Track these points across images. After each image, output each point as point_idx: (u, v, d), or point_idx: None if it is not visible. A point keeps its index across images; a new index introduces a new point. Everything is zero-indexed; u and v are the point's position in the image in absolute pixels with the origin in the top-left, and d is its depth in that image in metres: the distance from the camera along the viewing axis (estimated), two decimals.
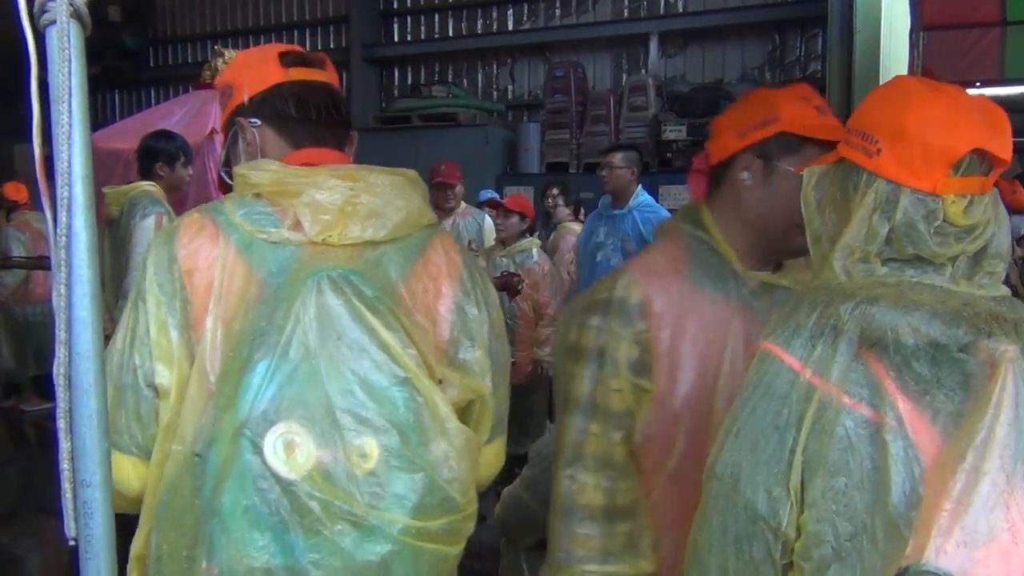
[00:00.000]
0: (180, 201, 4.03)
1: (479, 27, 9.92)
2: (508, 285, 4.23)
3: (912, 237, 1.12)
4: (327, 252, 1.33)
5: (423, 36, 10.30)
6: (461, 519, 1.40)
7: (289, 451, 1.26)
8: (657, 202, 6.14)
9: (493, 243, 4.98)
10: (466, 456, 1.40)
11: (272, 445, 1.25)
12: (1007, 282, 1.28)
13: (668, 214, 4.68)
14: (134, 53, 12.09)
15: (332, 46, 10.77)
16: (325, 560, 1.25)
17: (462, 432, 1.39)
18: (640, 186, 4.73)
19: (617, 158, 4.64)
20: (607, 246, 4.67)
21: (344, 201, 1.33)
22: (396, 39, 10.47)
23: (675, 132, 7.85)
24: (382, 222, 1.36)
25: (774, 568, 1.12)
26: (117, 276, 3.64)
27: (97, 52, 11.68)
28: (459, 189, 5.15)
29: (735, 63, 8.70)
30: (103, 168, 4.59)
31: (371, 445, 1.29)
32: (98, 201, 4.63)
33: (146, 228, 3.57)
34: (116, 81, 12.11)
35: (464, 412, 1.47)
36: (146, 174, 3.82)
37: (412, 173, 1.45)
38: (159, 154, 3.83)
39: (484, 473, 1.57)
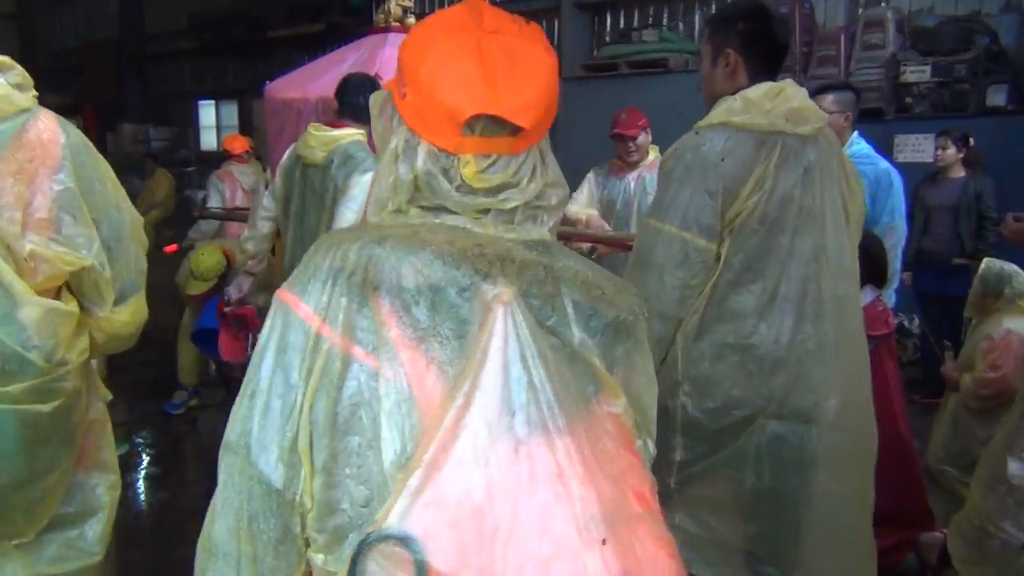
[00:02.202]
0: None
1: None
2: None
3: (434, 188, 1.07)
4: None
5: None
6: (50, 380, 1.69)
7: None
8: (889, 155, 5.33)
9: None
10: (49, 325, 1.68)
11: None
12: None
13: (888, 166, 3.93)
14: (357, 9, 12.34)
15: None
16: None
17: (40, 305, 1.67)
18: (857, 132, 4.00)
19: (827, 100, 3.92)
20: None
21: None
22: None
23: (917, 73, 6.81)
24: None
25: (296, 548, 1.04)
26: (308, 224, 3.45)
27: (322, 9, 12.05)
28: (642, 139, 4.63)
29: None
30: (276, 118, 4.51)
31: None
32: (273, 151, 4.56)
33: (364, 186, 3.24)
34: (341, 37, 12.42)
35: (78, 282, 1.77)
36: (357, 117, 3.45)
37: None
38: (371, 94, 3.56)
39: (122, 332, 1.89)
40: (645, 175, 4.66)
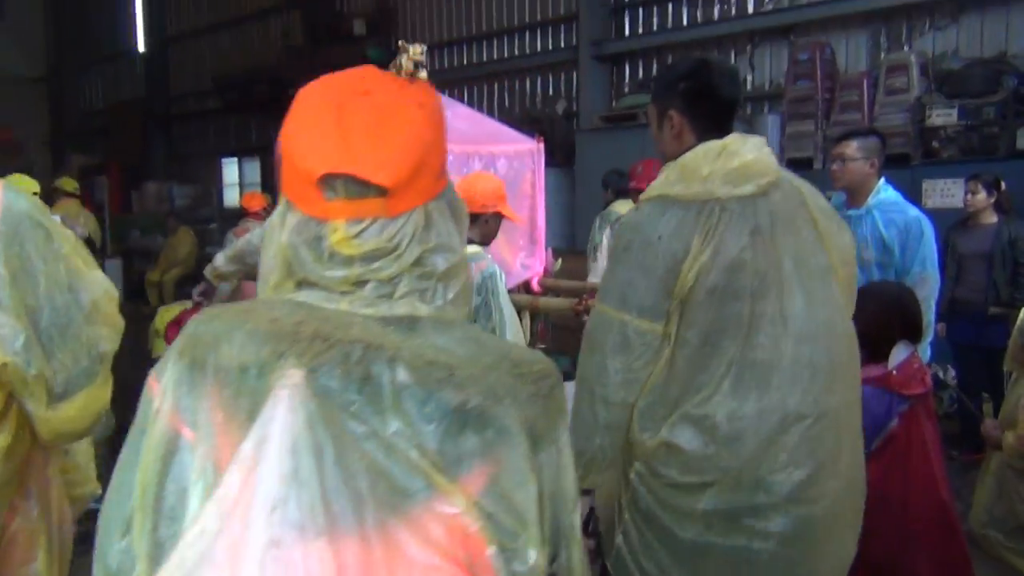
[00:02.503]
0: None
1: (715, 13, 9.11)
2: None
3: (299, 260, 1.01)
4: None
5: (655, 28, 9.66)
6: None
7: None
8: (917, 201, 5.16)
9: None
10: None
11: None
12: None
13: (918, 213, 3.75)
14: (378, 64, 12.37)
15: (562, 45, 10.43)
16: None
17: None
18: (883, 179, 3.83)
19: (852, 147, 3.78)
20: None
21: None
22: (628, 33, 9.90)
23: (944, 116, 6.63)
24: None
25: None
26: None
27: (342, 66, 12.09)
28: None
29: (1023, 31, 7.27)
30: None
31: None
32: None
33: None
34: None
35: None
36: None
37: None
38: None
39: (68, 429, 1.67)
40: None
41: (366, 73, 1.06)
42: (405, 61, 4.58)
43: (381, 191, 0.98)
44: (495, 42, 11.41)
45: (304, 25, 13.89)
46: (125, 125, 17.67)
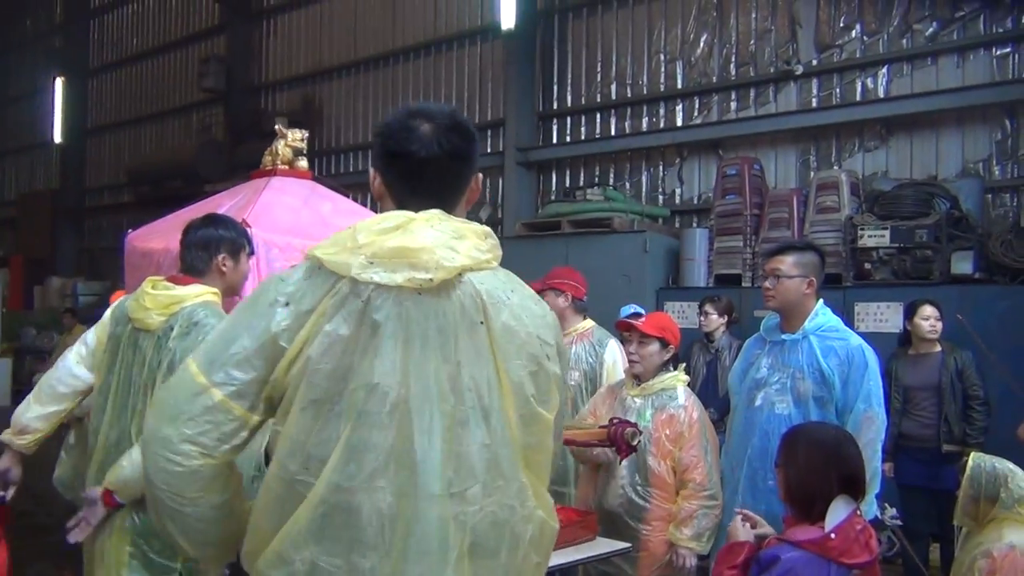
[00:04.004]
0: (232, 305, 3.01)
1: (644, 124, 8.90)
2: (617, 438, 2.97)
3: None
4: None
5: (583, 136, 9.43)
6: None
7: None
8: (849, 324, 4.74)
9: (621, 376, 3.74)
10: None
11: None
12: None
13: (861, 341, 3.27)
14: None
15: (489, 150, 10.11)
16: None
17: None
18: (821, 301, 3.37)
19: (787, 263, 3.32)
20: (771, 384, 3.32)
21: None
22: (555, 140, 9.64)
23: (876, 237, 6.36)
24: None
25: None
26: (131, 405, 2.65)
27: (258, 162, 11.66)
28: (564, 302, 3.99)
29: (953, 155, 7.13)
30: (135, 272, 3.81)
31: None
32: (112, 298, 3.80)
33: None
34: None
35: None
36: (200, 272, 2.80)
37: None
38: (221, 243, 2.81)
39: None
40: (573, 347, 4.00)
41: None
42: (283, 148, 4.08)
43: None
44: None
45: (227, 120, 13.48)
46: (35, 216, 16.92)
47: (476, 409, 1.47)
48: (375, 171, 1.62)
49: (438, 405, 1.45)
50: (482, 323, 1.50)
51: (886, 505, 5.68)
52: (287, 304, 1.49)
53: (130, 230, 4.07)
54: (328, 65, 12.20)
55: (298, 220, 3.89)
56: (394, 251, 1.47)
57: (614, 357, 3.97)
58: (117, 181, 15.59)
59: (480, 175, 1.67)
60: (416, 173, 1.57)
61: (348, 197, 3.94)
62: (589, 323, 4.08)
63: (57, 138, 17.20)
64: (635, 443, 3.00)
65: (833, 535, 2.19)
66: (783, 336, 3.34)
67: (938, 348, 4.95)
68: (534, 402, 1.52)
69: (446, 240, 1.50)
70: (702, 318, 5.83)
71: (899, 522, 5.26)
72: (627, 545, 3.22)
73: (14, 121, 19.46)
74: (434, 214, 1.53)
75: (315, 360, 1.44)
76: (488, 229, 1.59)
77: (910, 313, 5.06)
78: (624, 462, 3.27)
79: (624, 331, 3.62)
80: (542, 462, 1.57)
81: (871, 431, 3.12)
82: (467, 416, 1.46)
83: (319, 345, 1.45)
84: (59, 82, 16.83)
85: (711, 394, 5.45)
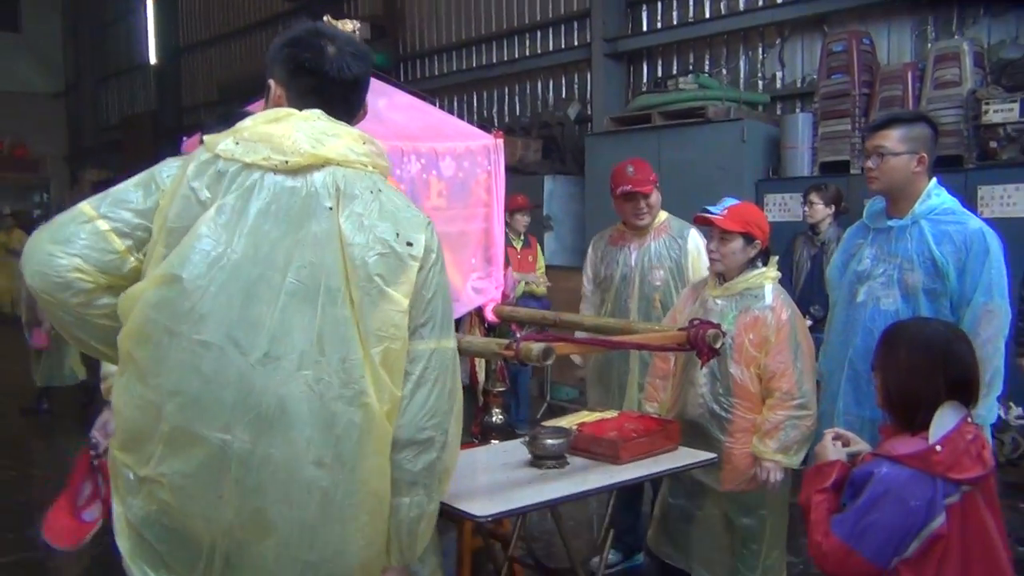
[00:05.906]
0: None
1: (741, 4, 8.22)
2: (698, 340, 2.66)
3: None
4: None
5: (675, 22, 8.79)
6: None
7: None
8: (972, 207, 4.23)
9: (704, 274, 3.41)
10: None
11: None
12: None
13: (982, 225, 2.83)
14: (384, 69, 11.74)
15: (575, 43, 9.61)
16: None
17: None
18: (935, 180, 2.94)
19: (892, 138, 2.88)
20: (875, 277, 2.93)
21: None
22: (645, 28, 9.04)
23: (1003, 112, 5.71)
24: None
25: None
26: None
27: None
28: (655, 198, 3.65)
29: None
30: None
31: None
32: None
33: None
34: None
35: None
36: None
37: None
38: None
39: None
40: (651, 244, 3.67)
41: None
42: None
43: None
44: (503, 43, 10.64)
45: None
46: (138, 138, 17.32)
47: (308, 285, 1.55)
48: (277, 83, 1.71)
49: (267, 274, 1.53)
50: (331, 208, 1.59)
51: (1011, 404, 5.25)
52: (174, 168, 1.63)
53: (184, 137, 3.90)
54: None
55: None
56: (260, 135, 1.59)
57: (697, 244, 3.63)
58: (212, 98, 15.71)
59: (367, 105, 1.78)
60: (319, 90, 1.68)
61: (431, 102, 3.65)
62: (663, 215, 3.73)
63: (152, 59, 17.43)
64: (718, 345, 2.68)
65: (939, 447, 1.86)
66: (889, 222, 2.94)
67: None
68: (380, 281, 1.58)
69: (315, 133, 1.61)
70: (807, 208, 5.38)
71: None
72: (713, 455, 2.94)
73: (111, 45, 19.81)
74: (316, 112, 1.64)
75: (171, 219, 1.56)
76: (369, 136, 1.67)
77: None
78: (704, 369, 2.97)
79: (704, 226, 3.27)
80: (398, 352, 1.59)
81: (992, 327, 2.71)
82: (296, 289, 1.53)
83: (176, 206, 1.56)
84: (150, 2, 16.95)
85: (817, 291, 5.02)
